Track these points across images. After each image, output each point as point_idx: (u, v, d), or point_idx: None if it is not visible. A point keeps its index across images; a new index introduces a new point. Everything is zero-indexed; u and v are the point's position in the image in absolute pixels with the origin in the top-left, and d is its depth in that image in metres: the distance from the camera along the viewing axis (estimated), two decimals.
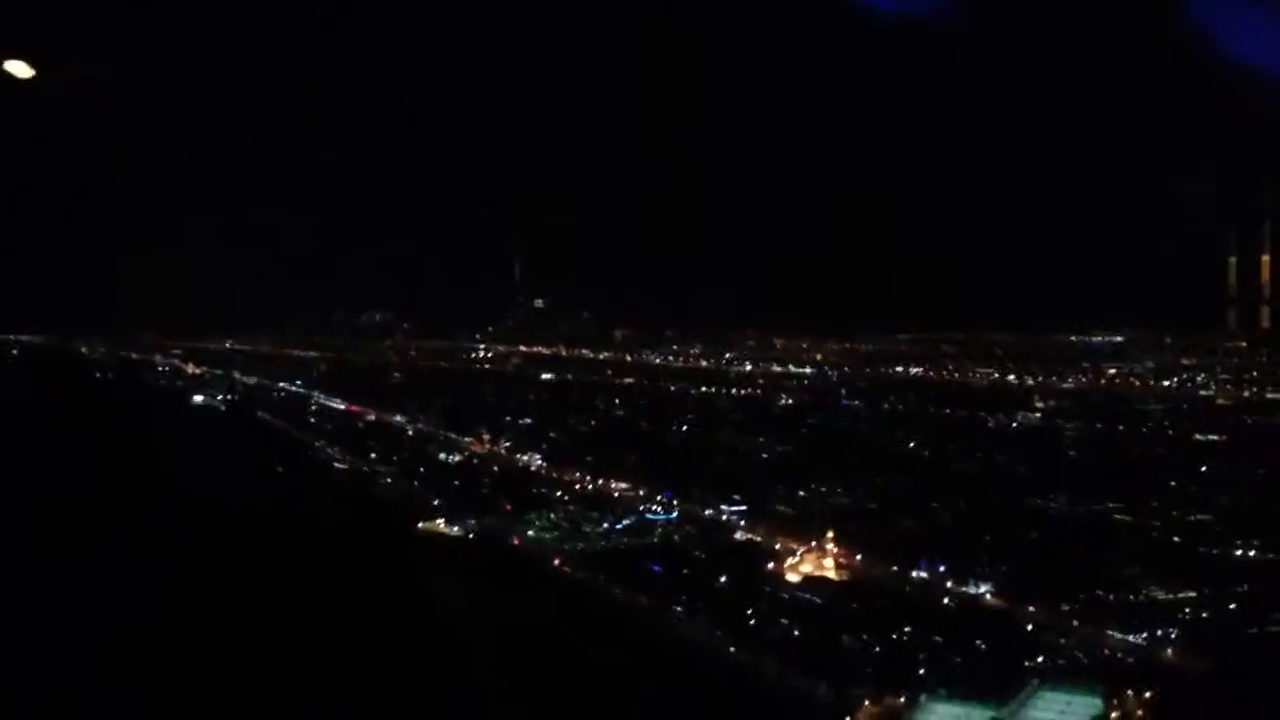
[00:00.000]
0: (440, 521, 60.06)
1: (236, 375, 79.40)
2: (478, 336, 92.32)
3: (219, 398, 75.80)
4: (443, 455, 70.49)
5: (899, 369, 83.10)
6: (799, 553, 50.76)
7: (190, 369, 79.42)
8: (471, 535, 58.82)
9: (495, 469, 68.51)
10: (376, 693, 34.33)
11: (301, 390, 79.23)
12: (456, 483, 65.83)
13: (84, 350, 76.46)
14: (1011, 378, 76.64)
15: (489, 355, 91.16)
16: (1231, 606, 39.73)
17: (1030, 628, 40.56)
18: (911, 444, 68.14)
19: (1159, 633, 38.65)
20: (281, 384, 79.91)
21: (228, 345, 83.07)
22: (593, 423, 77.56)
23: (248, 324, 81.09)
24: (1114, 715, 32.92)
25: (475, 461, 70.40)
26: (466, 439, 72.54)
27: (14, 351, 68.95)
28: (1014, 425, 68.64)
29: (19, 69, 29.68)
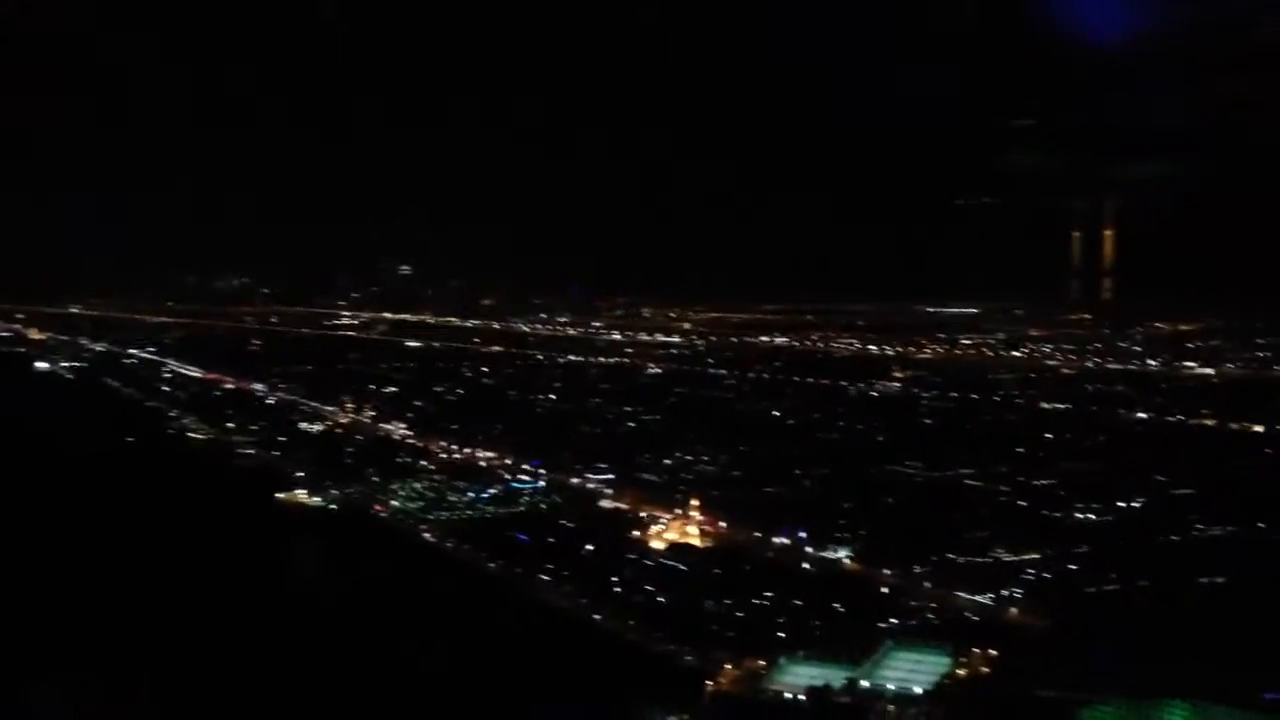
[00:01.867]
0: (302, 492, 58.88)
1: (84, 341, 76.18)
2: (341, 303, 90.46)
3: (64, 365, 72.67)
4: (304, 425, 69.04)
5: (765, 338, 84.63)
6: (664, 520, 51.31)
7: (34, 334, 75.89)
8: (334, 505, 57.81)
9: (359, 438, 67.35)
10: (235, 661, 33.73)
11: (154, 357, 76.47)
12: (319, 452, 64.52)
13: None
14: (872, 348, 78.82)
15: (354, 322, 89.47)
16: (1072, 567, 41.58)
17: (885, 590, 41.83)
18: (776, 412, 69.53)
19: (1004, 593, 40.25)
20: (132, 350, 77.01)
21: (74, 310, 79.64)
22: (460, 391, 76.88)
23: (96, 287, 77.84)
24: (961, 673, 34.20)
25: (338, 431, 69.11)
26: (329, 408, 71.16)
27: None
28: (874, 394, 70.68)
29: None
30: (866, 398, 68.78)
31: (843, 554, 46.85)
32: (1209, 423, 56.35)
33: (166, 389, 73.40)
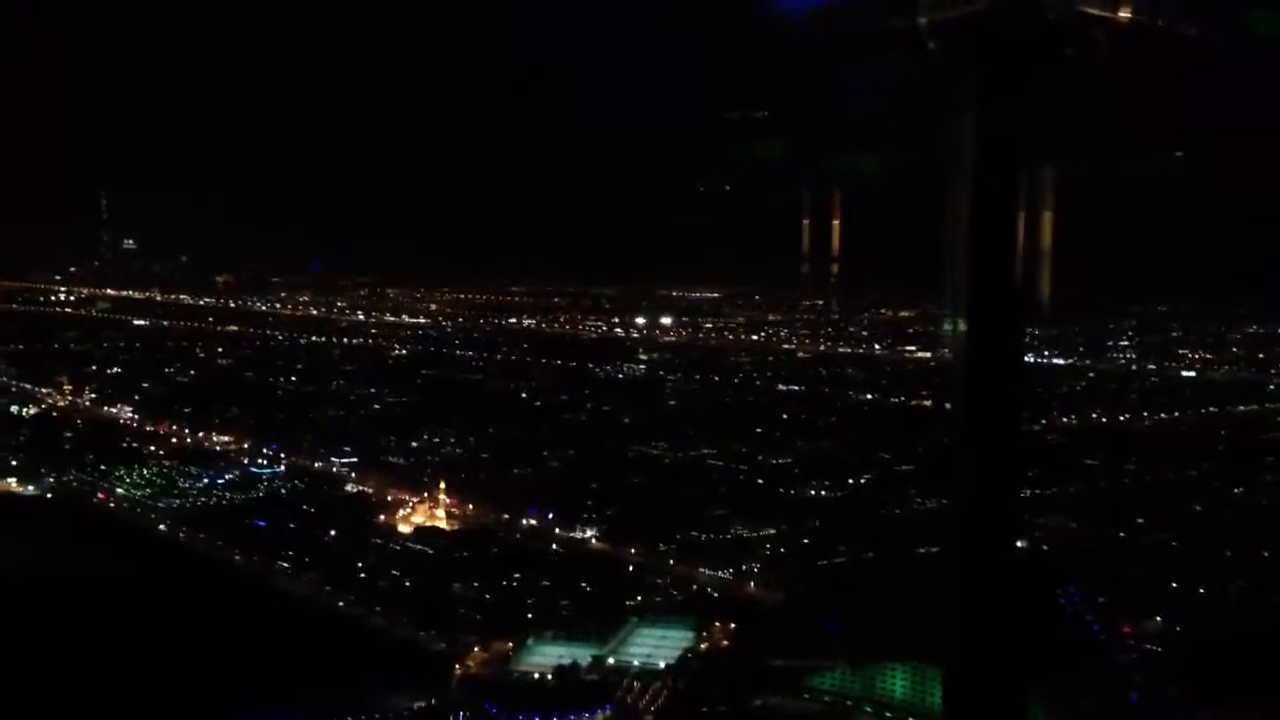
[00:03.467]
0: (11, 480, 54.62)
1: None
2: (58, 278, 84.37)
3: None
4: (15, 408, 63.85)
5: (513, 320, 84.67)
6: (411, 504, 50.64)
7: None
8: (50, 494, 53.90)
9: (79, 422, 62.90)
10: None
11: None
12: (32, 437, 59.91)
13: None
14: (619, 330, 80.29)
15: (71, 298, 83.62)
16: (805, 541, 43.81)
17: (631, 568, 42.81)
18: (524, 394, 69.71)
19: (743, 567, 42.00)
20: None
21: None
22: (192, 372, 73.02)
23: None
24: (703, 646, 35.47)
25: (54, 414, 64.34)
26: (44, 389, 66.15)
27: None
28: (620, 376, 72.00)
29: None
30: (613, 379, 70.03)
31: (590, 534, 47.66)
32: (928, 403, 60.53)
33: None
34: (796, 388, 66.83)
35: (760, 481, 52.23)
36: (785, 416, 61.88)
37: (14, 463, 56.00)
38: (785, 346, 75.04)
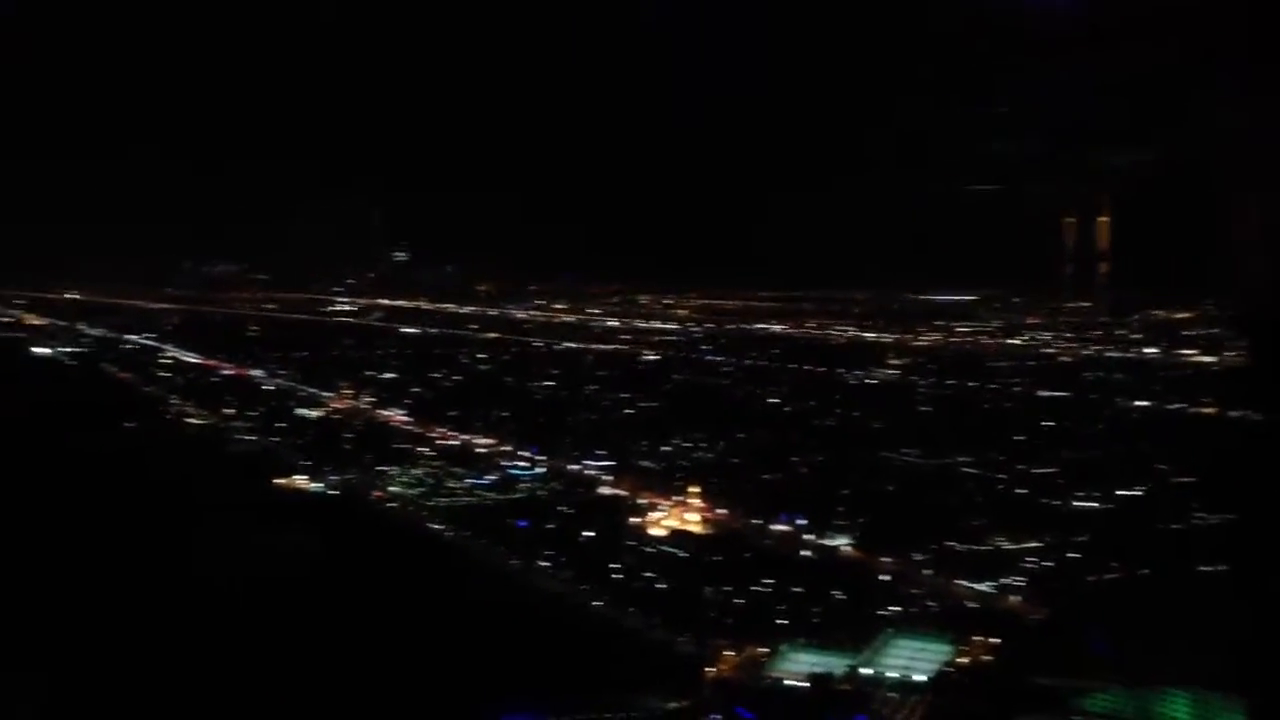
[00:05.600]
0: (300, 477, 58.80)
1: (81, 327, 75.91)
2: (338, 289, 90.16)
3: (63, 350, 72.41)
4: (302, 410, 68.85)
5: (761, 325, 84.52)
6: (663, 507, 51.33)
7: (32, 320, 75.60)
8: (332, 491, 57.74)
9: (357, 424, 67.22)
10: (230, 648, 33.74)
11: (152, 343, 76.22)
12: (316, 438, 64.42)
13: None
14: (869, 335, 78.74)
15: (350, 308, 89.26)
16: (1072, 555, 41.64)
17: (885, 577, 41.87)
18: (773, 399, 69.45)
19: (1004, 581, 40.31)
20: (130, 336, 76.73)
21: (71, 295, 79.39)
22: (456, 378, 76.70)
23: (93, 273, 77.56)
24: (962, 661, 34.28)
25: (336, 417, 68.98)
26: (327, 394, 71.00)
27: None
28: (871, 381, 70.58)
29: None
30: (863, 385, 68.76)
31: (842, 541, 46.91)
32: (1209, 410, 56.34)
33: (164, 374, 73.27)
34: (1061, 394, 63.64)
35: (1022, 492, 50.01)
36: (1049, 424, 59.02)
37: (303, 462, 60.30)
38: (1047, 351, 71.61)
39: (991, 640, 34.97)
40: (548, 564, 46.07)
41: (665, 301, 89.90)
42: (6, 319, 76.85)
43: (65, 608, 36.31)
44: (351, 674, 33.18)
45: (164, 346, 75.91)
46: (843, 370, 71.67)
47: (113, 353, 75.19)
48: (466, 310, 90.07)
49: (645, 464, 58.15)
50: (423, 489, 57.60)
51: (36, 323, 76.01)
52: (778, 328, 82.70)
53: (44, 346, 72.00)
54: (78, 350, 73.48)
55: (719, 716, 32.08)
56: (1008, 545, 43.24)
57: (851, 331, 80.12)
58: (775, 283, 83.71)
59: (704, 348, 79.84)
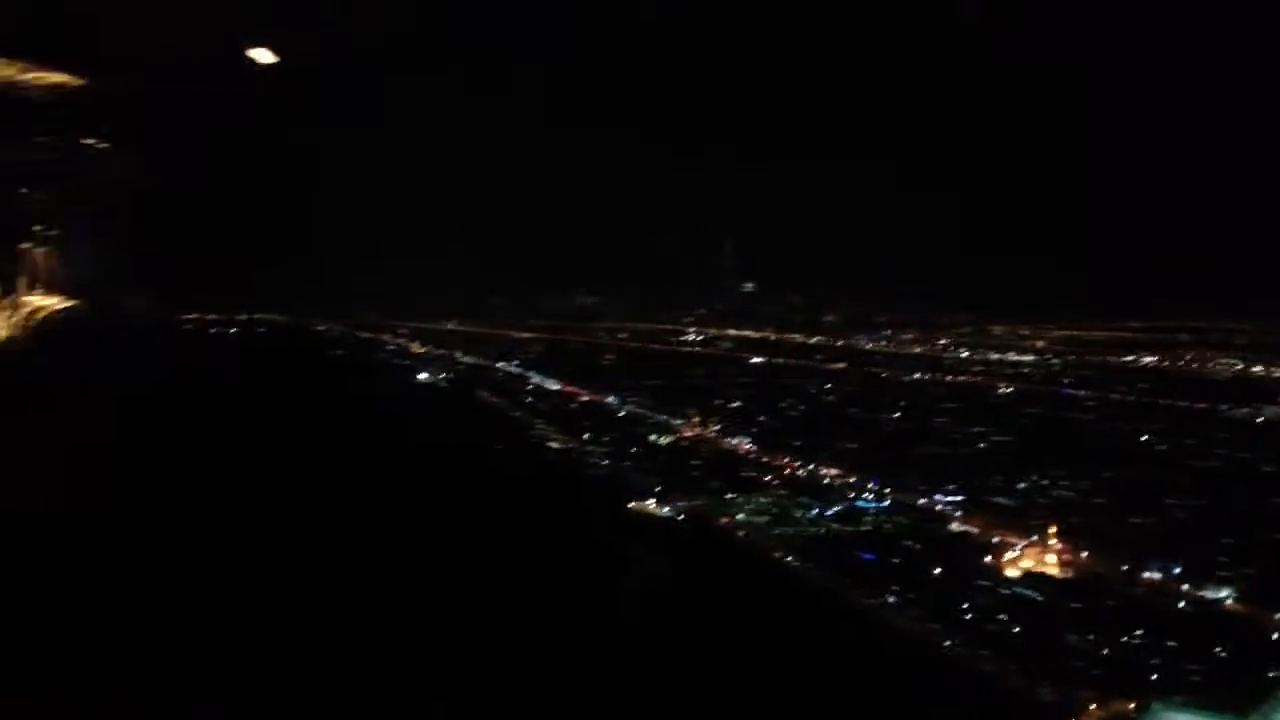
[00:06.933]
0: (651, 502, 60.69)
1: (457, 355, 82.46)
2: (687, 319, 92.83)
3: (441, 376, 78.93)
4: (653, 437, 71.19)
5: (1129, 357, 78.98)
6: (1019, 547, 48.91)
7: (415, 348, 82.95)
8: (681, 516, 59.14)
9: (705, 451, 68.74)
10: (586, 665, 35.16)
11: (517, 370, 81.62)
12: (666, 463, 66.38)
13: (322, 329, 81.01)
14: (1256, 369, 71.69)
15: (699, 338, 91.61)
16: None
17: (1277, 636, 37.81)
18: (1143, 436, 64.57)
19: None
20: (499, 364, 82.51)
21: (448, 327, 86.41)
22: (802, 407, 76.77)
23: (466, 307, 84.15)
24: None
25: (685, 444, 70.86)
26: (677, 421, 73.05)
27: (261, 330, 73.77)
28: (1259, 420, 64.13)
29: (262, 55, 31.27)
30: (1250, 423, 62.65)
31: (1224, 594, 42.86)
32: None
33: (528, 400, 78.07)
34: None
35: None
36: None
37: (655, 487, 62.32)
38: None
39: None
40: (895, 599, 45.02)
41: (1021, 332, 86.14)
42: (392, 348, 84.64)
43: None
44: (699, 697, 33.76)
45: (528, 374, 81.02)
46: (1226, 407, 65.69)
47: (483, 379, 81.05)
48: (813, 340, 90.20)
49: (999, 500, 55.75)
50: (768, 517, 57.91)
51: (419, 351, 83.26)
52: (1149, 360, 77.05)
53: (425, 373, 78.69)
54: (452, 377, 79.81)
55: None
56: None
57: (1238, 366, 73.34)
58: (1144, 313, 78.27)
59: (1064, 381, 75.67)
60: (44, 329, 52.52)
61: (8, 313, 52.12)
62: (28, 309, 53.30)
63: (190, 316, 71.12)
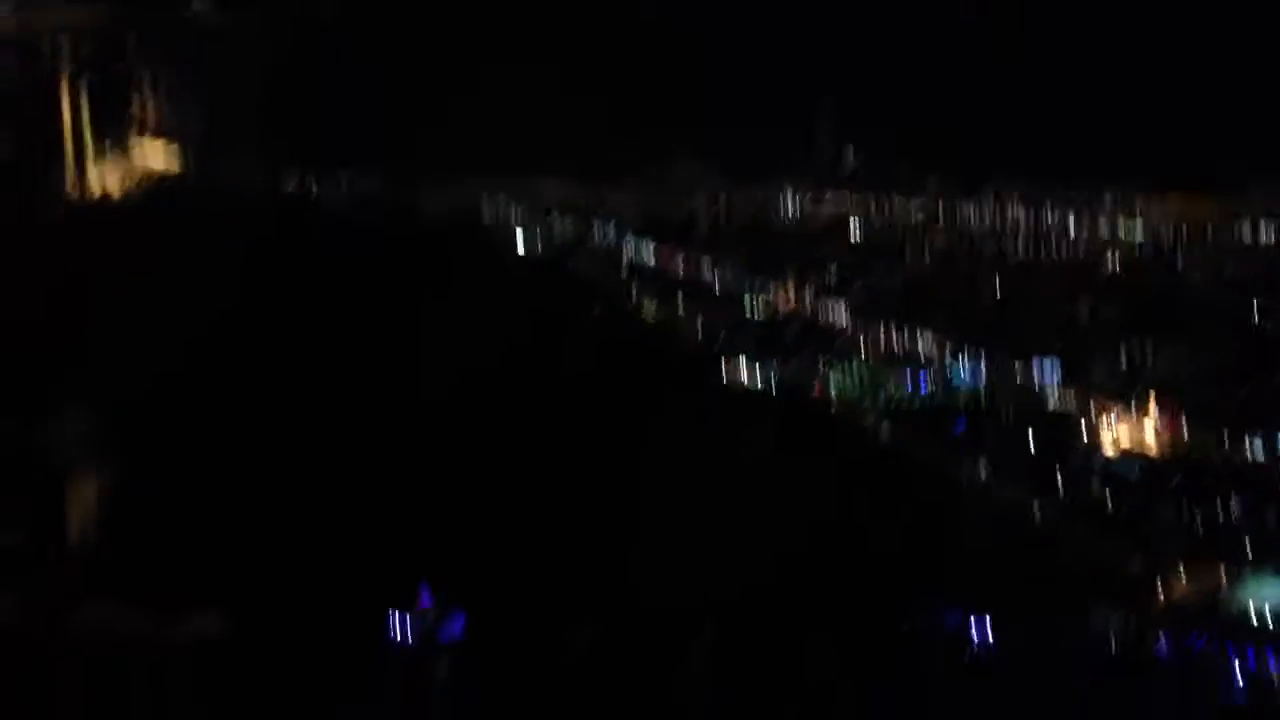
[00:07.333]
0: (744, 369, 61.09)
1: (555, 218, 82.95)
2: (787, 189, 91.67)
3: (540, 242, 79.58)
4: (748, 301, 71.13)
5: (1245, 231, 76.04)
6: (1117, 420, 48.33)
7: (515, 212, 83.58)
8: (774, 384, 59.45)
9: (799, 321, 68.62)
10: (683, 526, 35.97)
11: (615, 234, 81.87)
12: (762, 333, 66.53)
13: (418, 193, 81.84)
14: None
15: (797, 207, 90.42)
16: None
17: None
18: (1254, 313, 62.35)
19: None
20: (595, 229, 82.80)
21: (548, 191, 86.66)
22: (901, 278, 75.77)
23: (566, 171, 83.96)
24: None
25: (779, 312, 70.83)
26: (771, 287, 72.87)
27: (356, 196, 74.69)
28: None
29: None
30: None
31: None
32: None
33: (625, 267, 78.36)
34: None
35: None
36: None
37: (746, 355, 62.49)
38: None
39: None
40: (987, 470, 45.06)
41: (1132, 205, 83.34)
42: (489, 211, 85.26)
43: None
44: (788, 559, 34.34)
45: (624, 239, 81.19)
46: None
47: (581, 245, 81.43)
48: (914, 209, 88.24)
49: (1099, 373, 54.82)
50: (862, 387, 57.95)
51: (519, 215, 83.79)
52: (1266, 237, 74.09)
53: (524, 236, 79.26)
54: (550, 242, 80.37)
55: (1168, 641, 30.30)
56: None
57: None
58: (1264, 186, 74.92)
59: (1175, 253, 73.32)
60: (155, 186, 53.72)
61: (117, 167, 53.41)
62: (137, 163, 54.45)
63: (291, 180, 72.14)
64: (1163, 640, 30.45)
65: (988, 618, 30.28)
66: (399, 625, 23.55)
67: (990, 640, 29.33)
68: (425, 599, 23.87)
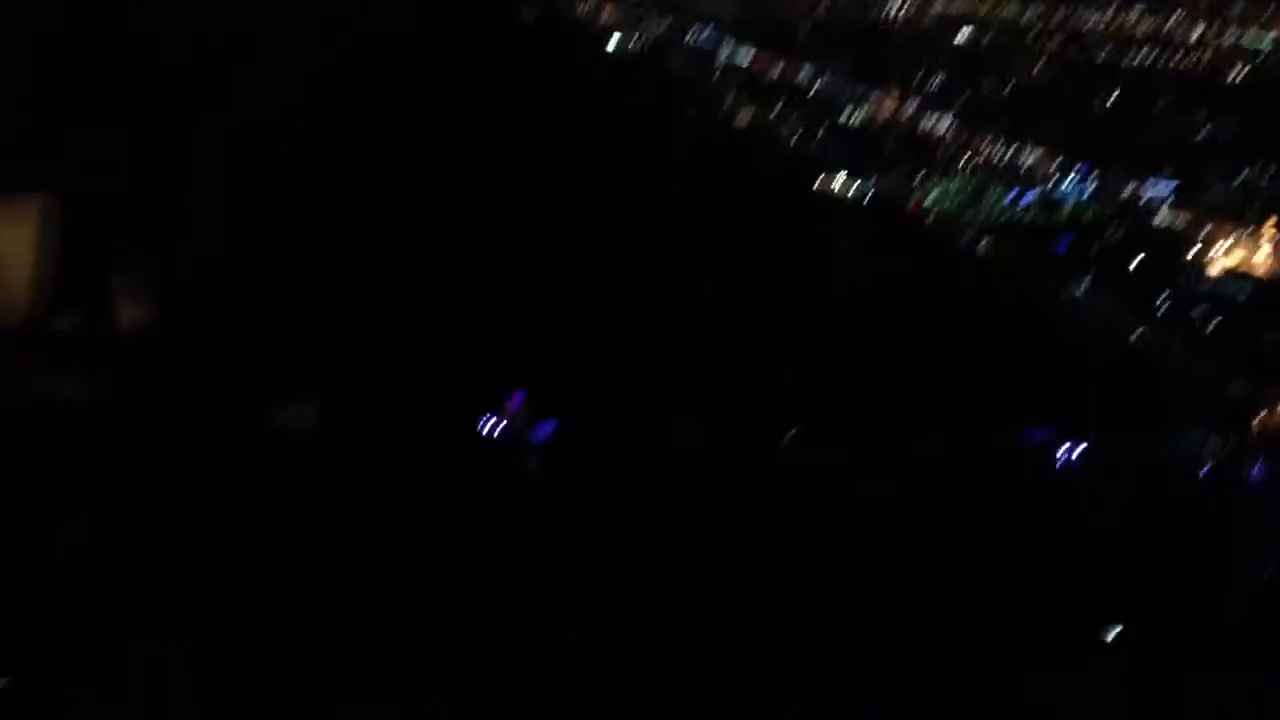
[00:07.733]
0: (839, 179, 59.89)
1: (653, 16, 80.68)
2: None
3: (631, 44, 77.68)
4: (848, 109, 69.13)
5: None
6: (1228, 241, 46.66)
7: (605, 13, 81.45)
8: (869, 195, 58.32)
9: (899, 130, 66.58)
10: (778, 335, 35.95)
11: (711, 35, 79.53)
12: (859, 142, 64.83)
13: None
14: None
15: (905, 11, 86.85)
16: None
17: None
18: None
19: None
20: (692, 29, 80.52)
21: None
22: (1008, 87, 72.75)
23: None
24: None
25: (880, 120, 68.78)
26: (873, 95, 70.60)
27: None
28: None
29: None
30: None
31: None
32: None
33: (719, 70, 76.41)
34: None
35: None
36: None
37: (843, 165, 61.12)
38: None
39: None
40: (1087, 288, 44.08)
41: (1262, 12, 78.42)
42: (583, 11, 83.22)
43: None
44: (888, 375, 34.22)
45: (722, 39, 78.89)
46: None
47: (674, 47, 79.35)
48: (1026, 15, 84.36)
49: (1213, 192, 52.63)
50: (961, 200, 56.49)
51: (607, 15, 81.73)
52: None
53: (616, 36, 77.49)
54: (644, 42, 78.40)
55: (1262, 465, 29.92)
56: None
57: None
58: None
59: None
60: None
61: None
62: None
63: None
64: (1259, 464, 30.09)
65: (1080, 435, 30.11)
66: (490, 426, 24.17)
67: (1081, 457, 29.21)
68: (516, 401, 24.40)
